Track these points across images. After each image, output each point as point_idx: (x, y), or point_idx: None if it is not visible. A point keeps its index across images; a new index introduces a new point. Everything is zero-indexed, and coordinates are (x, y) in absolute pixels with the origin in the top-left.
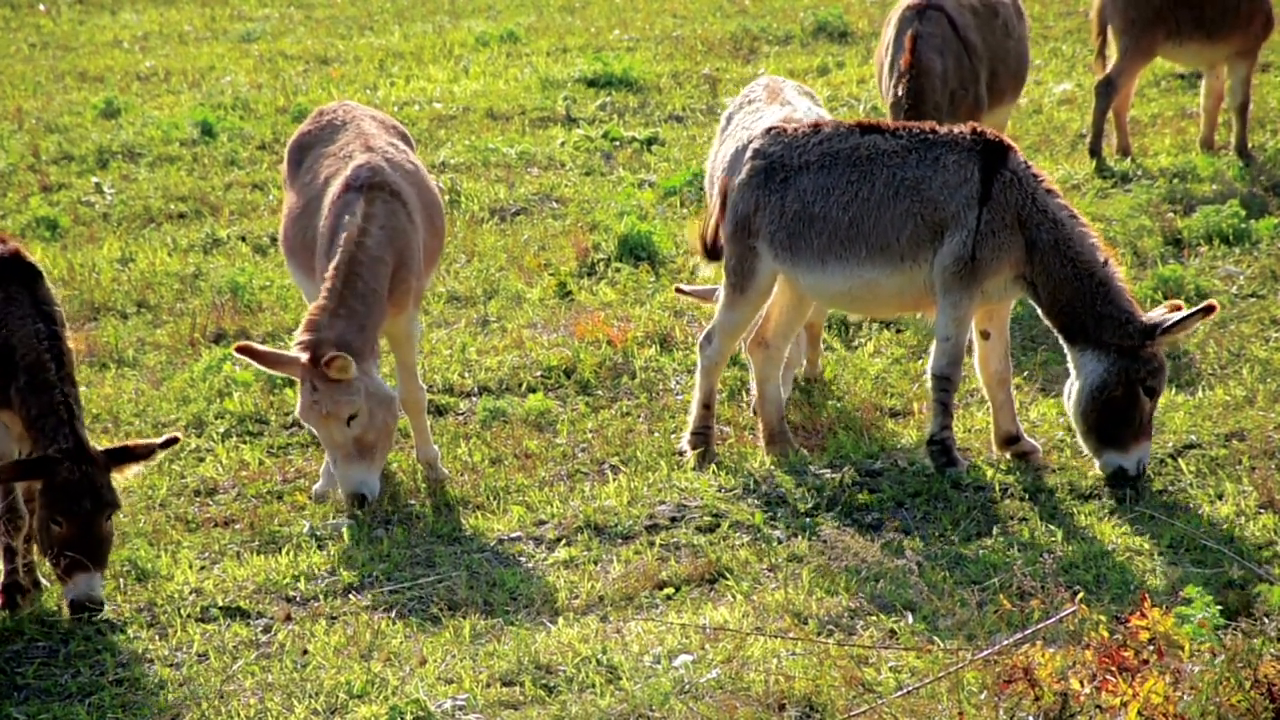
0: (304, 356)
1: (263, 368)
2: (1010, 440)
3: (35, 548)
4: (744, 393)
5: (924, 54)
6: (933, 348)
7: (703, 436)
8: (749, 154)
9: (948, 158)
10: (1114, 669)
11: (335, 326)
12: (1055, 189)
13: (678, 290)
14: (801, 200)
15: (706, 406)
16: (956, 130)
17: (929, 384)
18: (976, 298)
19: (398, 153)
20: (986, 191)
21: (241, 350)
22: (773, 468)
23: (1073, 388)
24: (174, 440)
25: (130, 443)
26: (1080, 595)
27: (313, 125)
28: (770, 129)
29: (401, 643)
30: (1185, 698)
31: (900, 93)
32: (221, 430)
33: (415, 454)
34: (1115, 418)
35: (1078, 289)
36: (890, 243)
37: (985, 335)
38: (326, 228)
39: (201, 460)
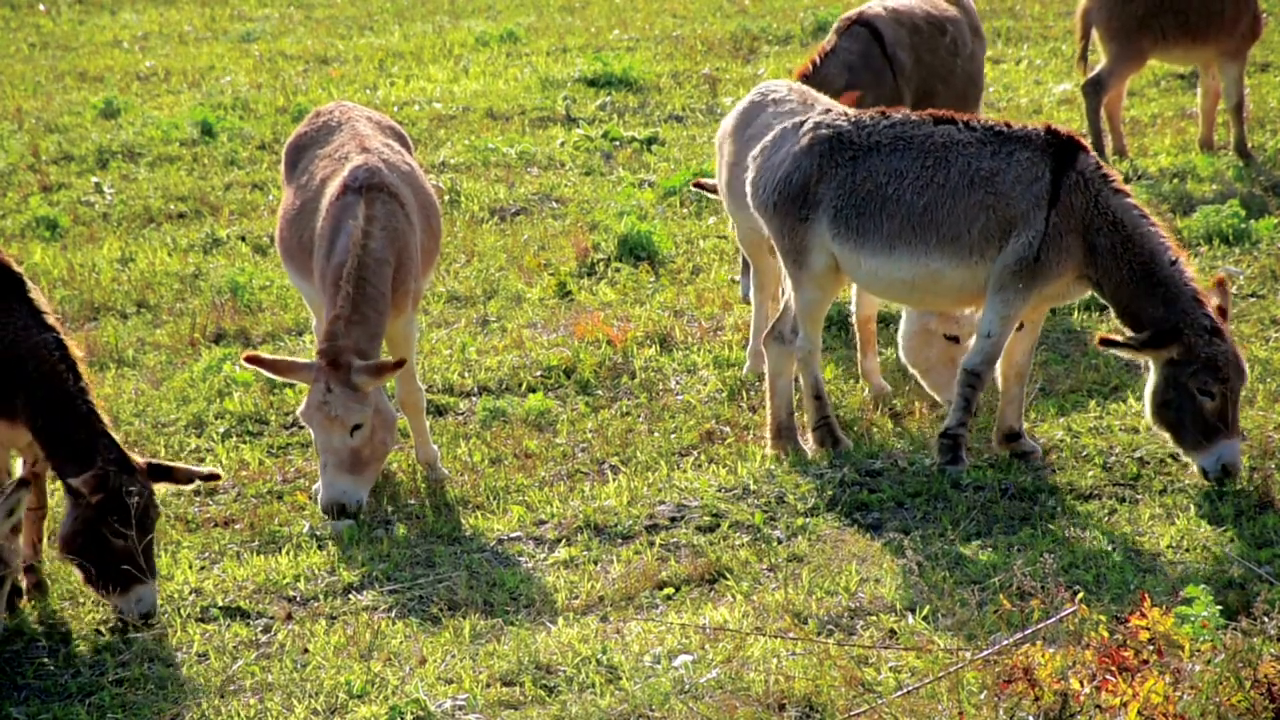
0: (323, 362)
1: (273, 376)
2: (1012, 436)
3: (39, 551)
4: (744, 392)
5: (826, 69)
6: (971, 342)
7: (826, 429)
8: (808, 125)
9: (1021, 154)
10: (1114, 669)
11: (353, 334)
12: (1124, 189)
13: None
14: (874, 180)
15: (818, 398)
16: (1030, 126)
17: (958, 377)
18: (1029, 300)
19: (394, 153)
20: (1055, 193)
21: (251, 360)
22: (772, 467)
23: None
24: (215, 476)
25: (174, 464)
26: (1080, 595)
27: (308, 127)
28: (829, 109)
29: (401, 643)
30: (1185, 698)
31: None
32: (221, 430)
33: (415, 454)
34: (1176, 421)
35: (1135, 291)
36: (961, 234)
37: (1019, 326)
38: (325, 230)
39: (201, 460)
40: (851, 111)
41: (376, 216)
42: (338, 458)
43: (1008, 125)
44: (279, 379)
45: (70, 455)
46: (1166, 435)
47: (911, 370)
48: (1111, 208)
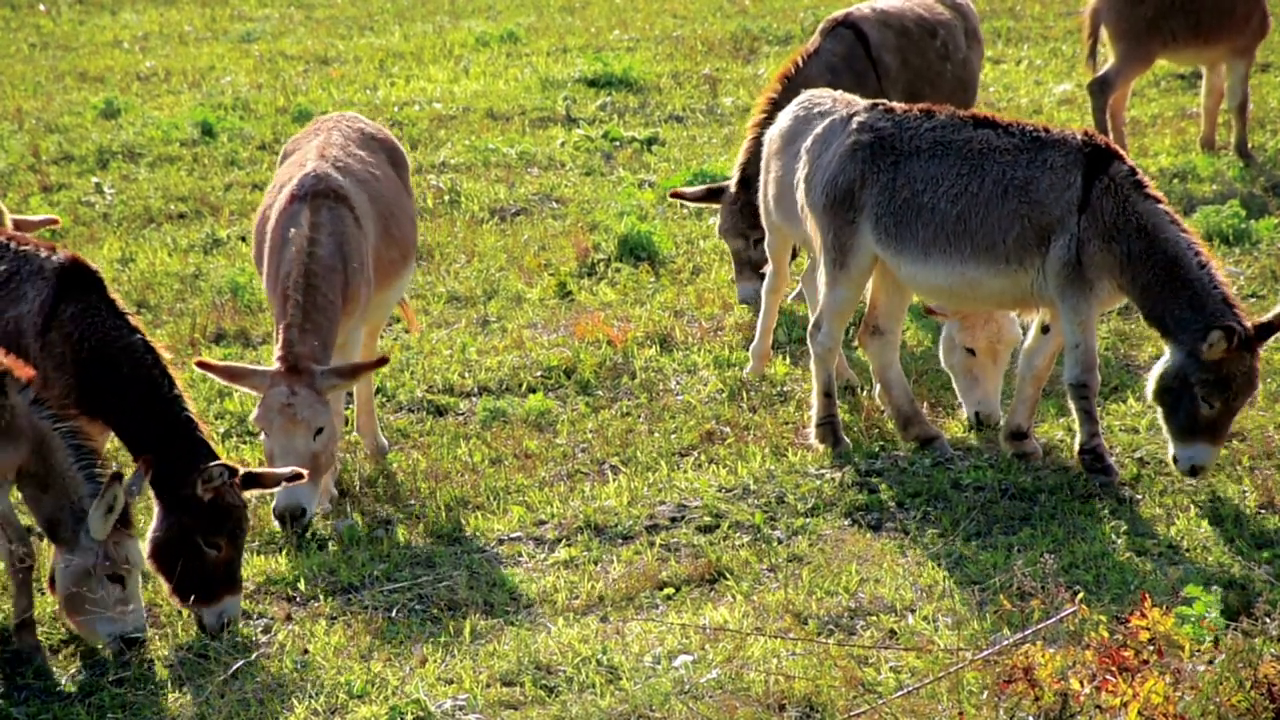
0: (283, 367)
1: (225, 382)
2: (1017, 435)
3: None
4: (744, 393)
5: (808, 71)
6: (1065, 358)
7: (829, 427)
8: (853, 125)
9: (1055, 160)
10: (1114, 669)
11: (307, 342)
12: (1156, 195)
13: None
14: (911, 188)
15: (827, 395)
16: (1068, 132)
17: (1069, 394)
18: (1094, 299)
19: (357, 162)
20: (1086, 198)
21: (201, 365)
22: (772, 467)
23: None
24: (299, 475)
25: (261, 470)
26: (1080, 595)
27: (302, 133)
28: (875, 104)
29: (401, 643)
30: (1185, 698)
31: (760, 103)
32: (221, 430)
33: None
34: (1168, 410)
35: (1160, 294)
36: (996, 243)
37: (1045, 330)
38: (275, 239)
39: None
40: (898, 108)
41: (322, 223)
42: (299, 462)
43: (1046, 130)
44: (230, 385)
45: (168, 461)
46: (1157, 410)
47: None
48: (1140, 213)
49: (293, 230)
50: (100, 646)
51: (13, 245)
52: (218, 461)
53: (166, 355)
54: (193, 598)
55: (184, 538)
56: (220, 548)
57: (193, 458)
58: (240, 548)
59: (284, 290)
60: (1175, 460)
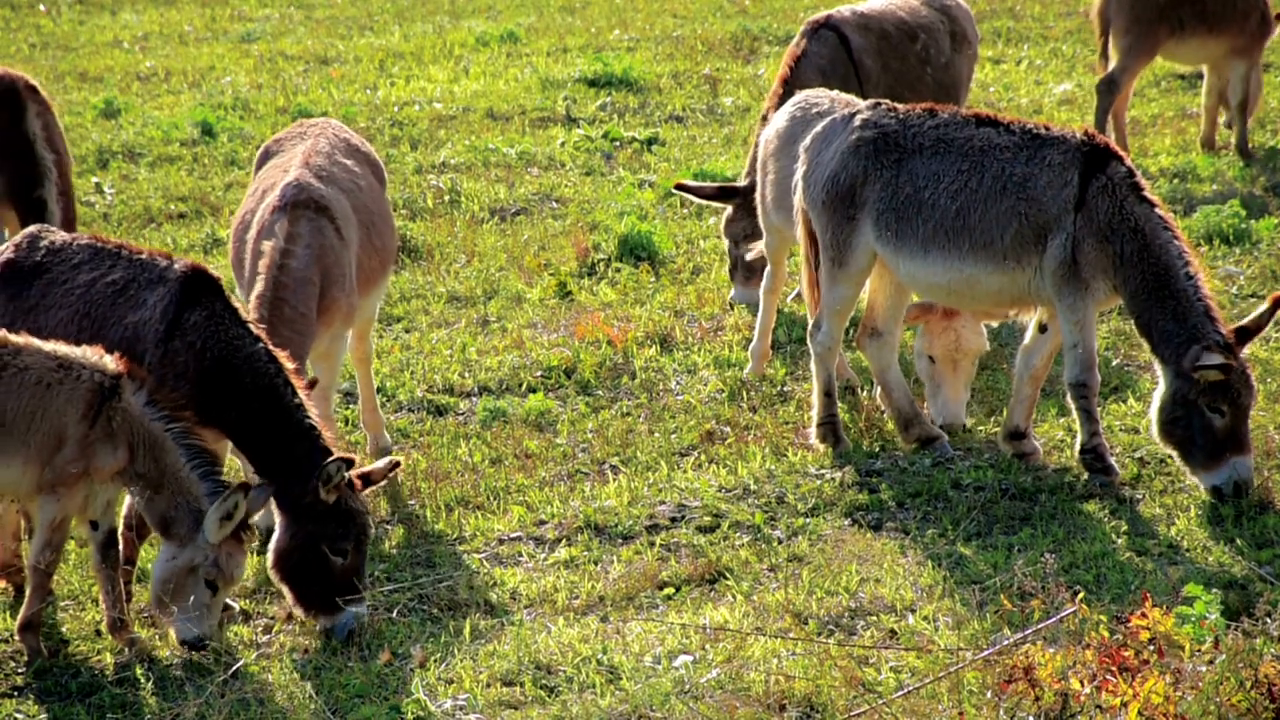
0: None
1: None
2: (1015, 435)
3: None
4: (744, 393)
5: (803, 73)
6: (1064, 358)
7: (830, 427)
8: (856, 123)
9: (1054, 158)
10: (1114, 669)
11: None
12: (1152, 198)
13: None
14: (914, 184)
15: (827, 395)
16: (1067, 131)
17: (1069, 394)
18: (1091, 299)
19: (341, 170)
20: (1082, 196)
21: None
22: (772, 467)
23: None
24: (397, 464)
25: (369, 467)
26: (1080, 595)
27: (285, 133)
28: (877, 103)
29: (401, 643)
30: (1185, 698)
31: (766, 107)
32: None
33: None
34: (1185, 438)
35: (1146, 302)
36: (994, 240)
37: (1042, 329)
38: (252, 249)
39: None
40: (900, 106)
41: (300, 234)
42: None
43: (1046, 128)
44: None
45: (290, 470)
46: (1173, 452)
47: None
48: (1135, 215)
49: (266, 242)
50: (172, 640)
51: (125, 252)
52: (333, 457)
53: (289, 365)
54: (317, 609)
55: (310, 546)
56: (347, 554)
57: (315, 466)
58: (365, 554)
59: (248, 296)
60: (1217, 490)
